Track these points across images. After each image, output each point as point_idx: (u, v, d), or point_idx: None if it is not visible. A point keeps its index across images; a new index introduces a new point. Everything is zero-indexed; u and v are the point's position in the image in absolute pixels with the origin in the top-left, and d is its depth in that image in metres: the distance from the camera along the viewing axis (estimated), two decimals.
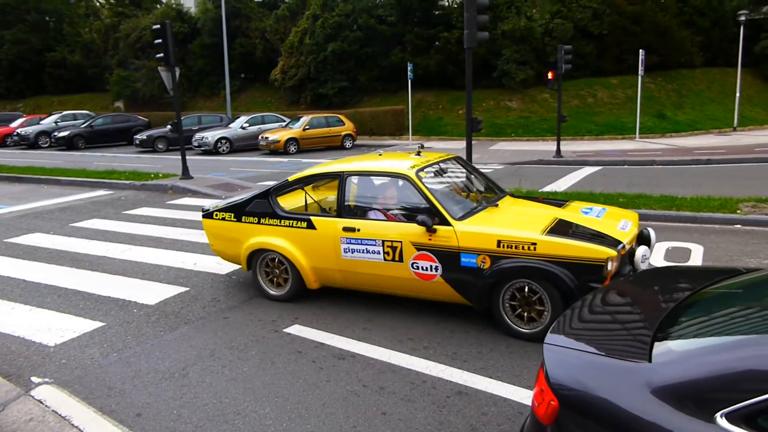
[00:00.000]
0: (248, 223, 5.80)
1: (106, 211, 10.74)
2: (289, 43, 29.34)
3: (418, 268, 4.96)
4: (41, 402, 3.92)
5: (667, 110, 24.88)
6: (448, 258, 4.81)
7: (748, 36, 24.48)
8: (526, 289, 4.61)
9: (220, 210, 6.03)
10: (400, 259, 5.02)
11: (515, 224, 4.88)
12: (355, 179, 5.70)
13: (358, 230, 5.19)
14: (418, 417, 3.66)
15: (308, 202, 5.94)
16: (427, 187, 5.06)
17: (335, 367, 4.37)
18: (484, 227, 4.80)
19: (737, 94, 23.71)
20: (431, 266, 4.90)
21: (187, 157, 14.31)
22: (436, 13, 28.55)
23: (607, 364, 2.23)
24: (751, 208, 8.63)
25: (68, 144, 25.68)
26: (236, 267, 6.81)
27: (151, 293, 6.10)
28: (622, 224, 5.00)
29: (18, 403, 3.85)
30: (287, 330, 5.08)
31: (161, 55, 13.35)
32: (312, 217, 5.47)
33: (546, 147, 19.98)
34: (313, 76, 28.68)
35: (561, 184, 12.63)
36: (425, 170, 5.35)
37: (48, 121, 28.98)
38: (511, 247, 4.57)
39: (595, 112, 25.04)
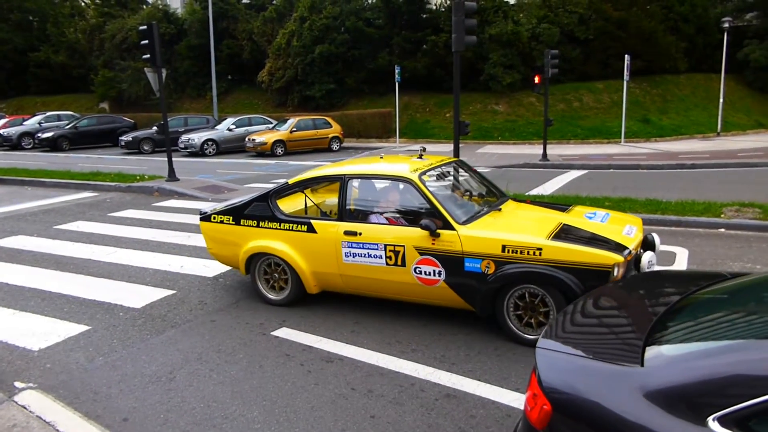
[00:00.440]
0: (247, 226, 5.72)
1: (91, 213, 10.63)
2: (277, 45, 29.23)
3: (420, 272, 4.92)
4: (25, 407, 3.86)
5: (652, 115, 25.14)
6: (452, 263, 4.77)
7: (731, 42, 24.84)
8: (531, 295, 4.58)
9: (218, 213, 5.93)
10: (403, 264, 4.97)
11: (520, 229, 4.85)
12: (356, 182, 5.61)
13: (360, 234, 5.13)
14: (407, 420, 3.66)
15: (308, 206, 5.88)
16: (430, 191, 5.01)
17: (323, 370, 4.36)
18: (489, 232, 4.76)
19: (721, 100, 24.03)
20: (434, 271, 4.86)
21: (173, 159, 14.18)
22: (424, 16, 28.58)
23: (600, 368, 2.24)
24: (734, 212, 8.75)
25: (52, 145, 25.39)
26: (223, 270, 6.78)
27: (138, 296, 6.04)
28: (627, 229, 4.97)
29: (1, 409, 3.80)
30: (275, 333, 5.06)
31: (148, 56, 13.26)
32: (312, 221, 5.40)
33: (532, 150, 20.09)
34: (300, 78, 28.61)
35: (548, 188, 12.72)
36: (428, 173, 5.30)
37: (31, 122, 28.58)
38: (516, 252, 4.54)
39: (581, 116, 25.23)
